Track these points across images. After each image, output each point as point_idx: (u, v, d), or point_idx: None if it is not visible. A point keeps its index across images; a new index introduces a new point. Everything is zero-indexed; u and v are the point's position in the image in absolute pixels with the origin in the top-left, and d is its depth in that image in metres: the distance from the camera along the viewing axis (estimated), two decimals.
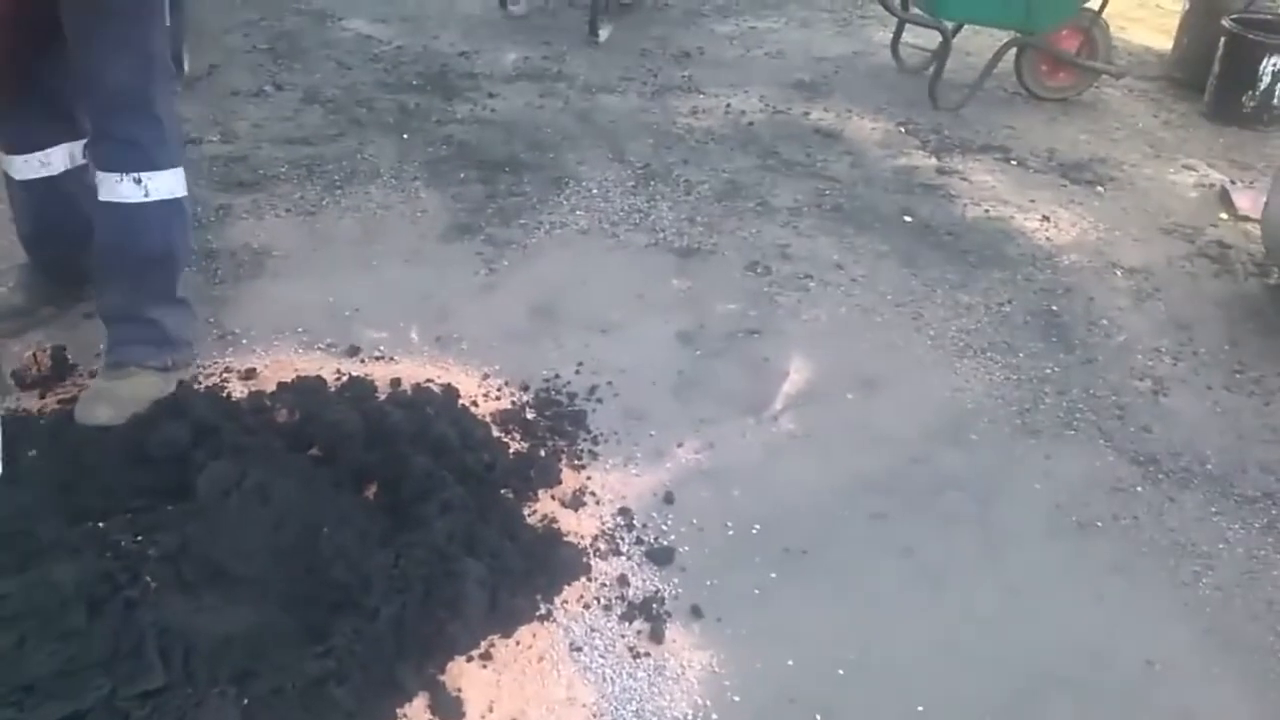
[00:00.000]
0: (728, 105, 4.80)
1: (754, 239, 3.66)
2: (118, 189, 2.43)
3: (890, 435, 2.77)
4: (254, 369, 2.75)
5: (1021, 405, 2.91)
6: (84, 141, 2.59)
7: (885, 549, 2.40)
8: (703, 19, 6.12)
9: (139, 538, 2.05)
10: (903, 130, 4.69)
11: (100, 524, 2.10)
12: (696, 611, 2.18)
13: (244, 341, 2.88)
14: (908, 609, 2.26)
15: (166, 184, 2.48)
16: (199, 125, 4.13)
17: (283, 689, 1.82)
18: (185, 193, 2.54)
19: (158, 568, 1.99)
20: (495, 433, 2.57)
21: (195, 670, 1.83)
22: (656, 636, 2.11)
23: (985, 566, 2.38)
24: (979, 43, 5.62)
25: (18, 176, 2.64)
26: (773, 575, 2.30)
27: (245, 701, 1.80)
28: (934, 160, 4.40)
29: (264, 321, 2.96)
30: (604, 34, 5.54)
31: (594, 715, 1.94)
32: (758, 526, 2.43)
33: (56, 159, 2.64)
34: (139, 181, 2.43)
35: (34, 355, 2.63)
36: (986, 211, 4.01)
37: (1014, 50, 5.07)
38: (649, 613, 2.16)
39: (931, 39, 5.26)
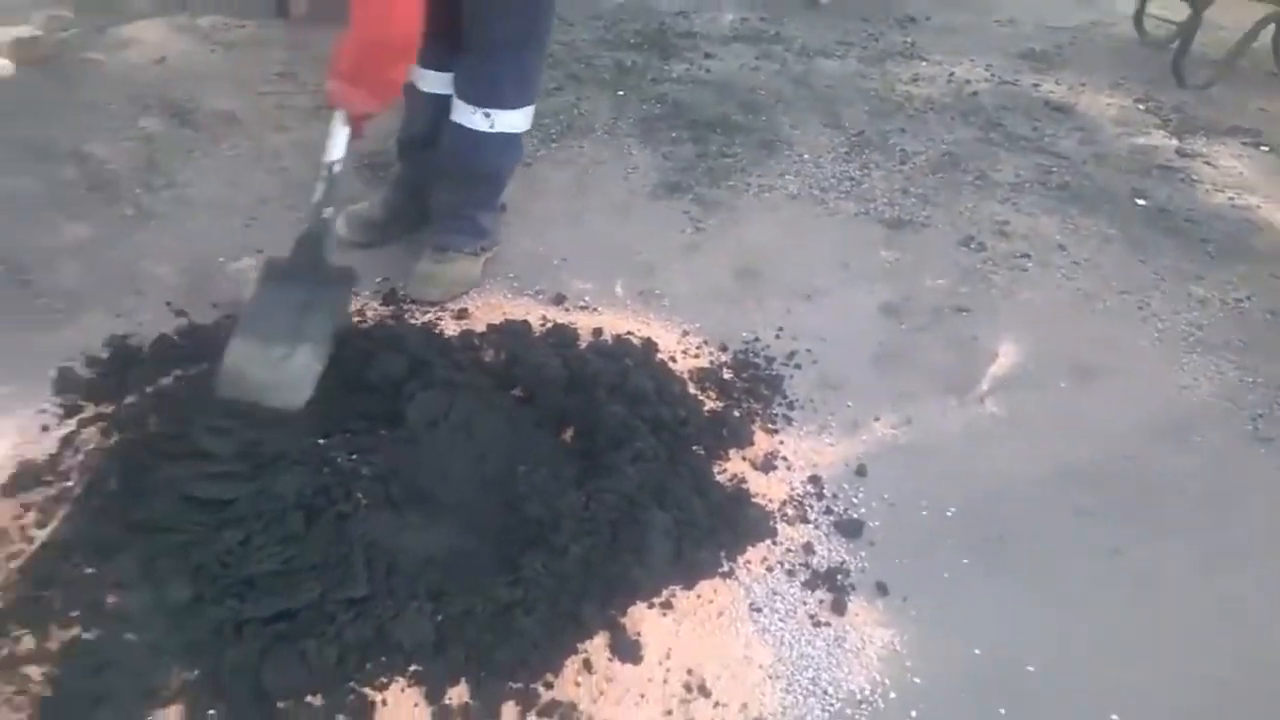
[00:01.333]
0: (951, 74, 4.62)
1: (970, 214, 3.53)
2: (469, 117, 2.79)
3: (1104, 429, 2.63)
4: (465, 309, 2.86)
5: (1254, 410, 2.71)
6: None
7: (1090, 547, 2.30)
8: None
9: (354, 457, 2.18)
10: (1141, 107, 4.41)
11: (321, 441, 2.24)
12: (882, 588, 2.15)
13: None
14: (1109, 611, 2.15)
15: (510, 120, 2.81)
16: None
17: (473, 611, 1.91)
18: (525, 128, 2.89)
19: (369, 486, 2.11)
20: (691, 389, 2.58)
21: (396, 584, 1.95)
22: (839, 608, 2.09)
23: (1199, 576, 2.24)
24: (1233, 16, 5.19)
25: (424, 89, 2.93)
26: (965, 561, 2.24)
27: (439, 618, 1.90)
28: (1174, 141, 4.12)
29: None
30: None
31: (769, 677, 1.94)
32: (953, 509, 2.36)
33: None
34: (488, 115, 2.78)
35: None
36: (1231, 199, 3.73)
37: (1273, 26, 4.66)
38: (833, 583, 2.14)
39: (1179, 10, 4.90)
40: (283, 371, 2.33)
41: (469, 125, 2.80)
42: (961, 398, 2.71)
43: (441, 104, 2.89)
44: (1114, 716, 1.92)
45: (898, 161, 3.85)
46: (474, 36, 2.72)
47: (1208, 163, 3.97)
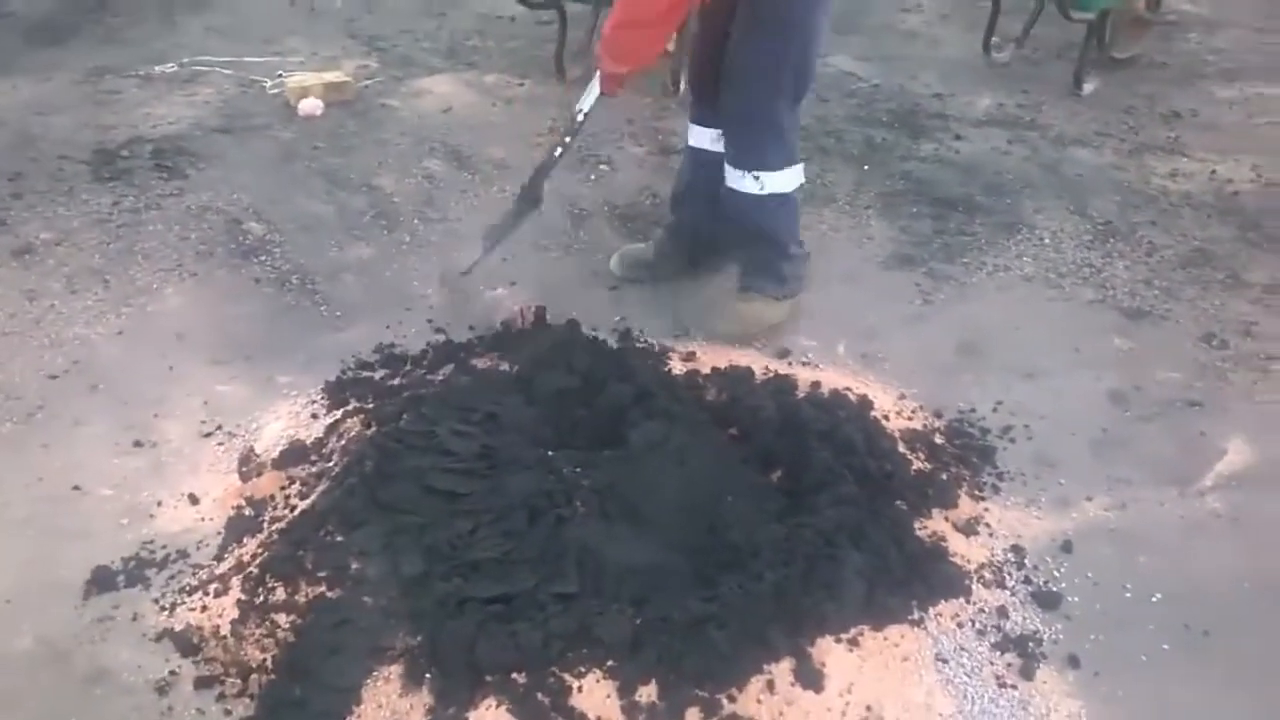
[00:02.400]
0: (1213, 171, 4.47)
1: (1216, 311, 3.42)
2: (740, 182, 3.00)
3: None
4: (694, 353, 3.03)
5: None
6: None
7: None
8: (1202, 80, 5.70)
9: (577, 469, 2.37)
10: None
11: (550, 453, 2.45)
12: (1074, 661, 2.14)
13: (690, 332, 3.18)
14: None
15: (779, 181, 3.00)
16: (683, 137, 4.54)
17: (670, 619, 2.04)
18: (795, 187, 3.08)
19: (587, 496, 2.30)
20: (901, 448, 2.64)
21: (603, 586, 2.12)
22: (1027, 673, 2.10)
23: None
24: None
25: (692, 143, 3.23)
26: (1165, 646, 2.19)
27: (638, 621, 2.05)
28: None
29: None
30: (1089, 87, 5.36)
31: None
32: (1159, 595, 2.31)
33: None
34: (757, 179, 2.98)
35: (521, 311, 3.08)
36: None
37: None
38: (1024, 649, 2.15)
39: None
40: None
41: (741, 189, 3.01)
42: (1183, 490, 2.64)
43: (704, 158, 3.15)
44: None
45: (1144, 253, 3.77)
46: (732, 102, 2.92)
47: None
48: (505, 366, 2.81)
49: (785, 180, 3.02)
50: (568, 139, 2.99)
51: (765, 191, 2.99)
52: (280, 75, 4.72)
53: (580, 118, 2.92)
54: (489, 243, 3.19)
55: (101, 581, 2.27)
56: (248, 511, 2.44)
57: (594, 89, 2.88)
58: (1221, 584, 2.36)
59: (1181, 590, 2.32)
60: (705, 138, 3.15)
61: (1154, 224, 3.98)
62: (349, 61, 4.82)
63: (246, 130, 4.30)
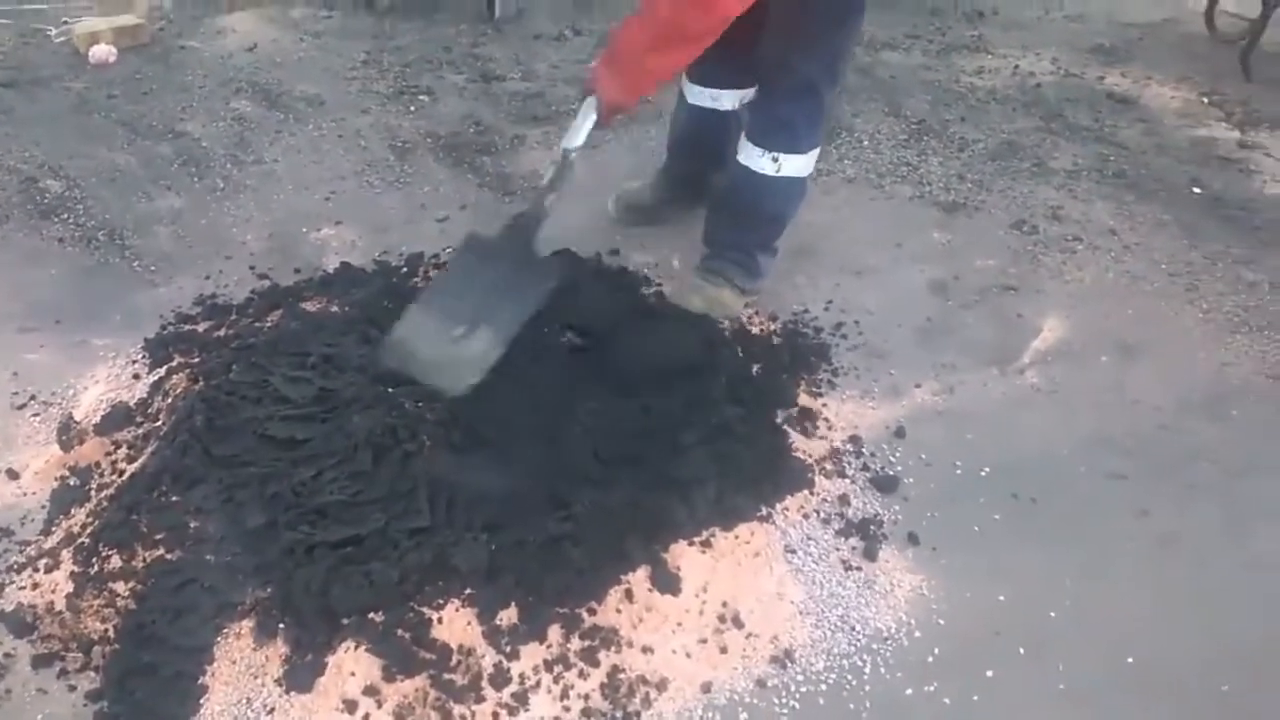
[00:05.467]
0: (1016, 66, 4.66)
1: (1025, 199, 3.59)
2: (756, 160, 2.73)
3: (1142, 401, 2.69)
4: None
5: None
6: (746, 95, 2.90)
7: (1119, 508, 2.37)
8: None
9: (419, 404, 2.33)
10: (1206, 101, 4.41)
11: (390, 389, 2.39)
12: (913, 538, 2.25)
13: None
14: (1134, 567, 2.23)
15: (797, 165, 2.75)
16: (503, 64, 4.46)
17: (525, 542, 2.06)
18: (810, 172, 2.83)
19: (433, 430, 2.27)
20: (739, 353, 2.70)
21: (455, 517, 2.10)
22: (870, 554, 2.20)
23: (1226, 539, 2.30)
24: None
25: (690, 100, 3.04)
26: (996, 516, 2.33)
27: (493, 547, 2.05)
28: (1237, 134, 4.11)
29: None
30: None
31: (800, 613, 2.06)
32: (987, 469, 2.45)
33: (725, 100, 2.98)
34: (775, 160, 2.72)
35: None
36: None
37: None
38: (865, 532, 2.24)
39: (1253, 7, 4.88)
40: (454, 352, 2.25)
41: (755, 169, 2.74)
42: (1003, 369, 2.79)
43: (702, 114, 3.01)
44: (1129, 659, 2.00)
45: (956, 149, 3.91)
46: (773, 78, 2.68)
47: (1269, 154, 3.96)
48: (336, 309, 2.72)
49: (805, 164, 2.78)
50: (558, 188, 2.40)
51: (780, 174, 2.75)
52: (66, 22, 4.38)
53: (571, 157, 2.37)
54: (495, 347, 2.28)
55: None
56: (73, 481, 2.32)
57: (586, 123, 2.36)
58: (1043, 452, 2.52)
59: (1007, 462, 2.47)
60: (704, 96, 2.99)
61: (964, 120, 4.13)
62: (141, 3, 4.51)
63: (33, 83, 3.99)
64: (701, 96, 3.00)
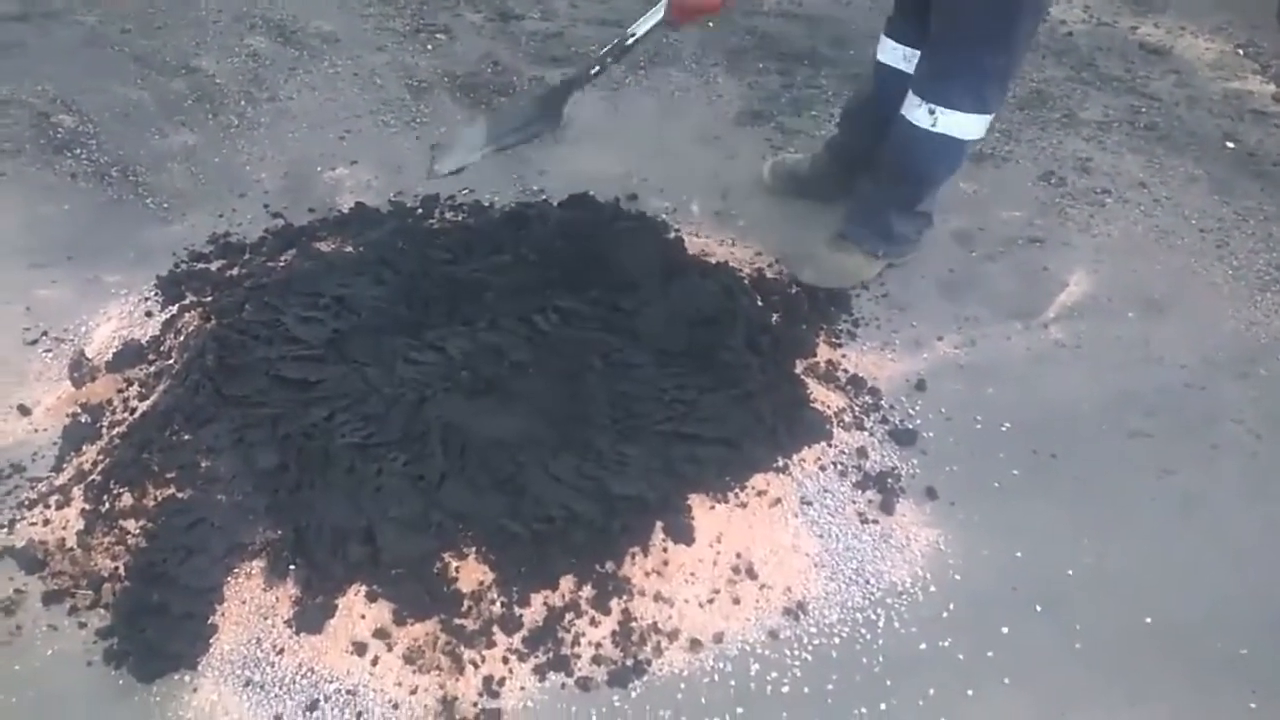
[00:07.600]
0: (1047, 13, 4.54)
1: (1054, 150, 3.51)
2: (913, 111, 2.58)
3: (1168, 358, 2.64)
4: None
5: None
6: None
7: (1141, 466, 2.33)
8: None
9: (436, 347, 2.30)
10: (1241, 53, 4.29)
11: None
12: (931, 493, 2.22)
13: (543, 196, 3.10)
14: (1155, 527, 2.19)
15: (957, 123, 2.55)
16: (522, 2, 4.37)
17: (542, 495, 2.02)
18: (975, 137, 2.61)
19: (448, 373, 2.23)
20: (759, 303, 2.65)
21: (469, 463, 2.08)
22: (887, 508, 2.17)
23: (1249, 499, 2.26)
24: None
25: (879, 58, 2.82)
26: (1015, 472, 2.29)
27: (506, 496, 2.02)
28: (1272, 87, 4.00)
29: (563, 181, 3.16)
30: None
31: (814, 564, 2.03)
32: (1008, 425, 2.41)
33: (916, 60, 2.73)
34: (932, 112, 2.55)
35: None
36: None
37: None
38: (883, 485, 2.21)
39: None
40: (455, 144, 2.94)
41: (911, 119, 2.59)
42: (1027, 323, 2.74)
43: (888, 75, 2.78)
44: (1148, 619, 1.97)
45: None
46: (938, 24, 2.52)
47: None
48: (350, 249, 2.69)
49: (964, 124, 2.56)
50: (609, 59, 2.55)
51: (936, 129, 2.56)
52: None
53: (630, 41, 2.48)
54: (486, 147, 2.80)
55: None
56: (84, 419, 2.31)
57: (656, 13, 2.42)
58: (1065, 408, 2.47)
59: (1029, 418, 2.43)
60: (897, 54, 2.76)
61: None
62: None
63: (45, 16, 3.94)
64: (894, 55, 2.76)
